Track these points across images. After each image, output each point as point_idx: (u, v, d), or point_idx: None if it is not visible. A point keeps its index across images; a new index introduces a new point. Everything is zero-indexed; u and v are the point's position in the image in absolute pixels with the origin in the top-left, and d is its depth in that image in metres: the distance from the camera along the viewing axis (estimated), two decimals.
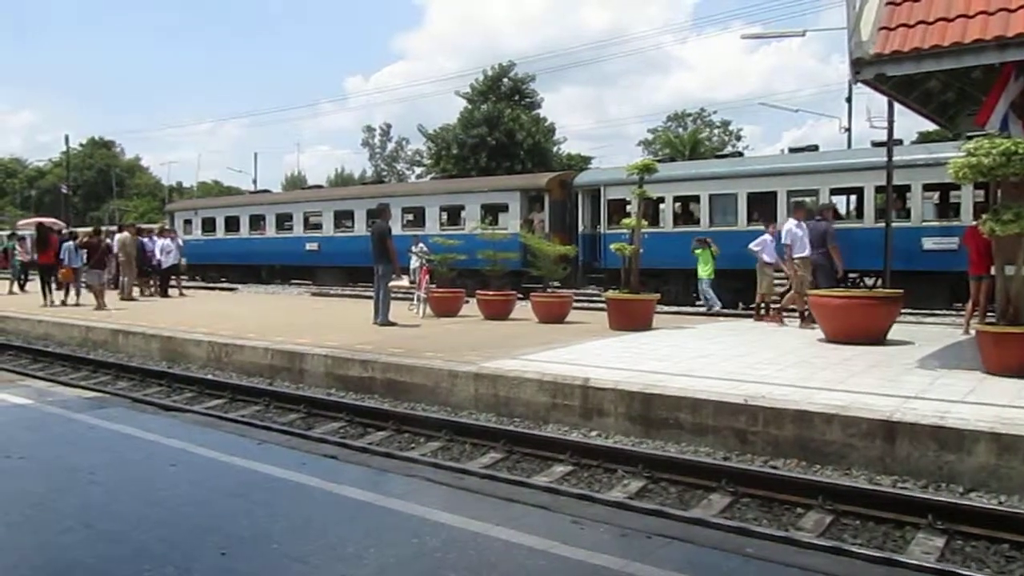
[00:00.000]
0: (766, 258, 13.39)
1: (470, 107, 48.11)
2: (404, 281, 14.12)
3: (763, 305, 13.86)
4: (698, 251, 17.78)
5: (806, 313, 11.67)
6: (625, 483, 5.87)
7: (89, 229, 24.87)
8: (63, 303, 17.71)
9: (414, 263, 16.55)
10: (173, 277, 21.75)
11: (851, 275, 16.38)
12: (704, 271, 17.60)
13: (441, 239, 16.90)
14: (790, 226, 11.85)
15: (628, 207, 19.56)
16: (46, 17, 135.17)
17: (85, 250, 17.94)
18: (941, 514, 4.82)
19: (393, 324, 12.73)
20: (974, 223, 10.95)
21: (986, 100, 8.08)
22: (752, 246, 13.62)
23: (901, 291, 10.72)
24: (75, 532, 3.72)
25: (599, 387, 7.26)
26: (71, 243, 18.45)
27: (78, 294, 18.10)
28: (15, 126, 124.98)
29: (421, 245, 16.87)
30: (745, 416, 6.37)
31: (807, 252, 11.72)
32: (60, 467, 4.90)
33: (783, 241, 11.70)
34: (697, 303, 19.54)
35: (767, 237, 13.58)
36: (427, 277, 15.06)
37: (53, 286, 18.28)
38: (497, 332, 11.73)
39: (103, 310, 16.03)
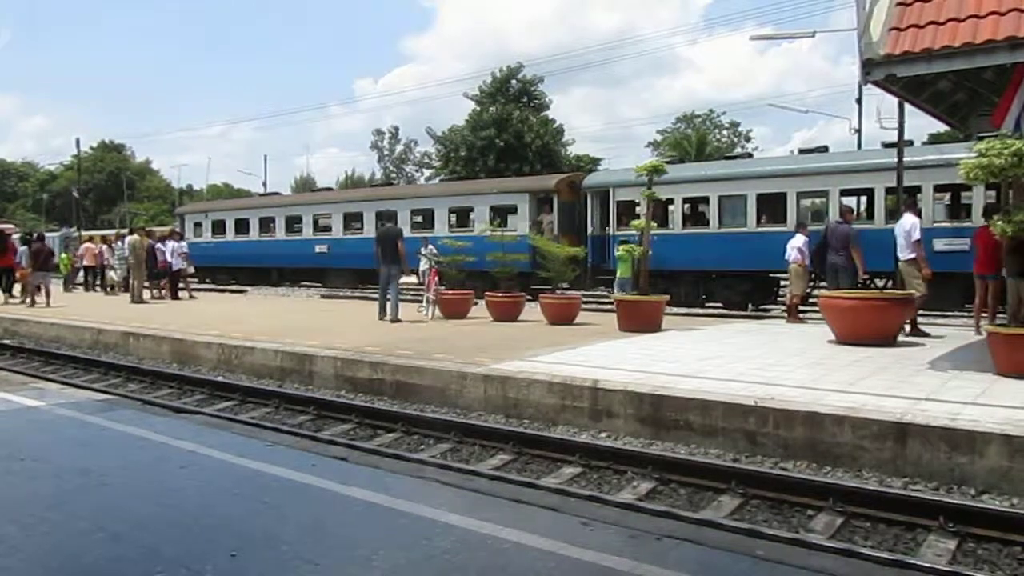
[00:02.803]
0: (805, 260, 13.42)
1: (478, 109, 48.17)
2: (412, 279, 14.31)
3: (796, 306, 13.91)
4: (623, 251, 18.07)
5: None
6: (635, 485, 5.86)
7: (99, 233, 25.03)
8: (6, 302, 19.55)
9: (423, 265, 16.60)
10: (180, 280, 21.85)
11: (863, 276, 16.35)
12: (624, 270, 17.99)
13: (450, 241, 16.92)
14: (917, 222, 11.46)
15: (637, 208, 19.56)
16: (57, 22, 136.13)
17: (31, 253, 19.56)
18: (953, 516, 4.79)
19: (399, 320, 13.52)
20: (985, 223, 10.90)
21: (1001, 101, 8.04)
22: (801, 247, 13.54)
23: (912, 292, 10.66)
24: (87, 534, 3.74)
25: (608, 389, 7.26)
26: (26, 247, 20.36)
27: (48, 294, 18.88)
28: (28, 130, 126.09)
29: (431, 247, 16.91)
30: (755, 418, 6.36)
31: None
32: (72, 469, 4.93)
33: (914, 238, 11.19)
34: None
35: (803, 238, 13.58)
36: (436, 279, 15.08)
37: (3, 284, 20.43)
38: (506, 333, 11.74)
39: (35, 307, 17.83)
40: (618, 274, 18.05)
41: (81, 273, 26.57)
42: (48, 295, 18.66)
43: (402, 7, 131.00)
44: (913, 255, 11.05)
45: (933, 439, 5.59)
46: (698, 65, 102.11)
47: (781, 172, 19.45)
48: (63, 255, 27.69)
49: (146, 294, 20.10)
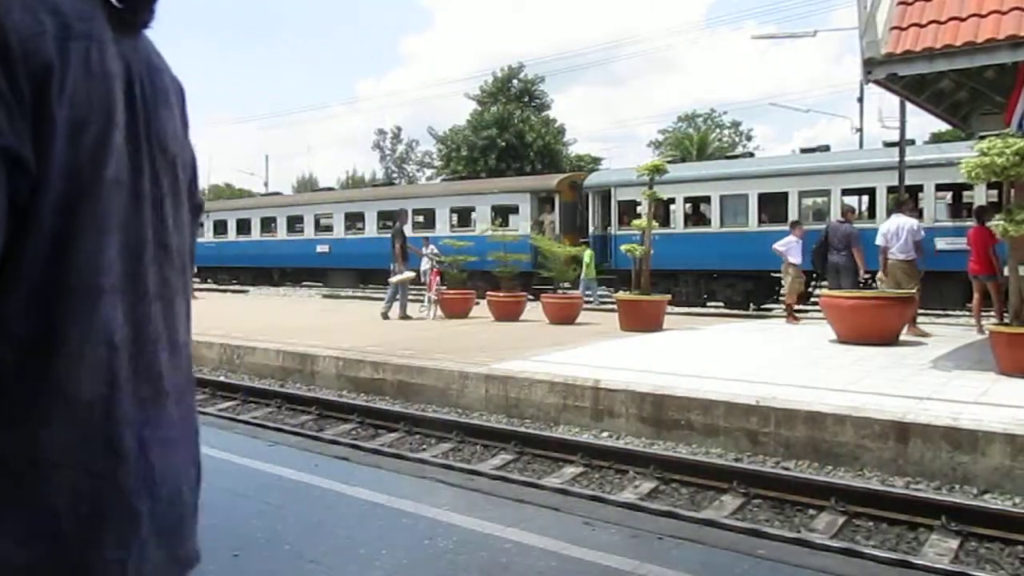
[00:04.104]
0: (791, 259, 13.09)
1: (480, 109, 48.17)
2: (407, 275, 14.47)
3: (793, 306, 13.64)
4: (587, 252, 18.39)
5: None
6: (636, 484, 5.86)
7: None
8: None
9: (425, 265, 16.64)
10: None
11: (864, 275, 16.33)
12: (589, 272, 18.34)
13: (452, 241, 16.95)
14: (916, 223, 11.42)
15: (639, 208, 19.56)
16: None
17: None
18: (955, 516, 4.79)
19: (408, 318, 14.07)
20: (978, 224, 10.92)
21: (1009, 100, 8.04)
22: (777, 246, 13.29)
23: (913, 291, 10.66)
24: None
25: (610, 388, 7.26)
26: None
27: None
28: None
29: (432, 247, 16.94)
30: (757, 417, 6.36)
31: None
32: None
33: (919, 238, 11.11)
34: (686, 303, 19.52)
35: (793, 238, 13.24)
36: (437, 279, 15.10)
37: None
38: (508, 333, 11.74)
39: None
40: (588, 274, 18.37)
41: None
42: None
43: (403, 7, 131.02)
44: (913, 256, 11.09)
45: (935, 438, 5.59)
46: (700, 64, 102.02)
47: (783, 171, 19.44)
48: None
49: None
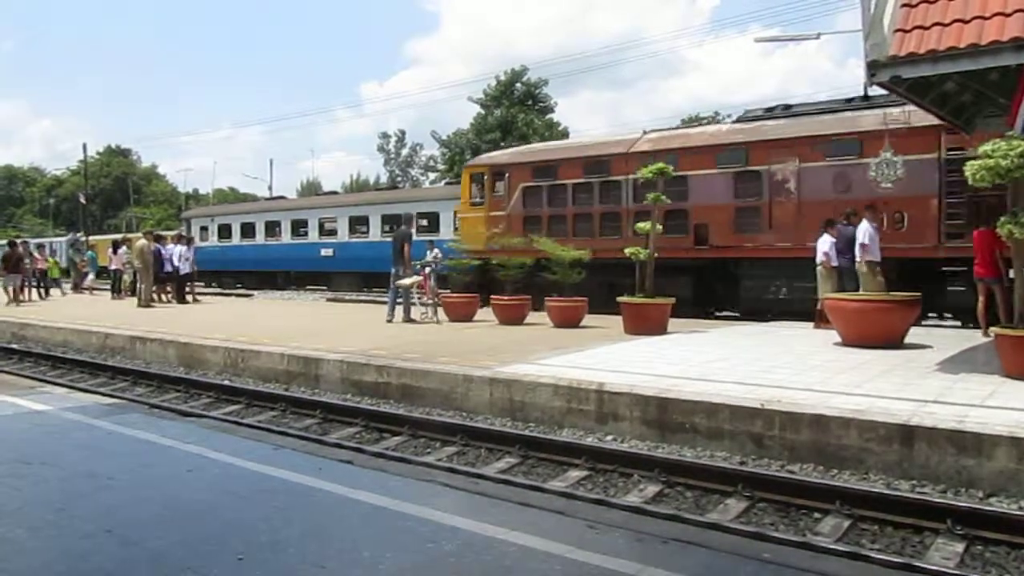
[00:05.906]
0: (834, 263, 12.60)
1: (483, 112, 48.25)
2: (414, 279, 14.50)
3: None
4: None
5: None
6: (641, 488, 5.85)
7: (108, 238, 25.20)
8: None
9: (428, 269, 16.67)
10: (188, 284, 21.90)
11: None
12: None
13: (456, 244, 16.95)
14: (867, 228, 11.91)
15: None
16: (62, 26, 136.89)
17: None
18: (960, 519, 4.77)
19: (413, 321, 14.17)
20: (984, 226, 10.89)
21: (1012, 103, 8.01)
22: (827, 249, 12.70)
23: (919, 294, 10.63)
24: (95, 537, 3.75)
25: (614, 391, 7.25)
26: None
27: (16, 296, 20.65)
28: (35, 135, 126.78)
29: (436, 251, 16.94)
30: (761, 420, 6.34)
31: None
32: (80, 473, 4.94)
33: (859, 242, 11.83)
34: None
35: (829, 238, 12.75)
36: (430, 282, 15.11)
37: None
38: (512, 337, 11.74)
39: (19, 307, 19.58)
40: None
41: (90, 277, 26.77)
42: (16, 297, 20.56)
43: (407, 10, 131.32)
44: (868, 257, 11.68)
45: (940, 441, 5.57)
46: (705, 67, 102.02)
47: None
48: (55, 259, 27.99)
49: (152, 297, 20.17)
